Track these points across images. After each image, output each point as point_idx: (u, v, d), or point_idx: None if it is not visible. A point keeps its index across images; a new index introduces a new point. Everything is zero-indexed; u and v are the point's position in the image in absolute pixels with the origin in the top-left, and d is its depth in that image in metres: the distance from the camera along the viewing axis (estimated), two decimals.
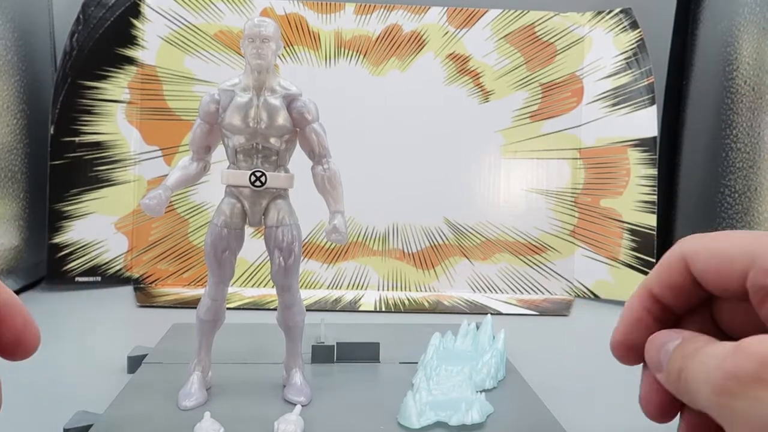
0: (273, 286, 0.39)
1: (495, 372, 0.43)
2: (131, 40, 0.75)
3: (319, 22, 0.78)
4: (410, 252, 0.77)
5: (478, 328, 0.49)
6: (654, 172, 0.74)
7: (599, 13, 0.79)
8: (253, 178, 0.37)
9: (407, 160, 0.78)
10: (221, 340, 0.41)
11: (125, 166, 0.75)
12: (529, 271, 0.76)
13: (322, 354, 0.45)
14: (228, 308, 0.41)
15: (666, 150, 0.82)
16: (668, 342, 0.26)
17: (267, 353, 0.45)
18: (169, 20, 0.76)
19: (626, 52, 0.77)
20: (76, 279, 0.72)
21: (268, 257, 0.39)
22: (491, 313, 0.55)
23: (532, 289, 0.76)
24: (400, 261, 0.76)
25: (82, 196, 0.73)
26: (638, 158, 0.75)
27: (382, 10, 0.79)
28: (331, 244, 0.75)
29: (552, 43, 0.79)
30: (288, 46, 0.77)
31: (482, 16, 0.79)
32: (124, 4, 0.75)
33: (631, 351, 0.30)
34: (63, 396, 0.42)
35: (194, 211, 0.75)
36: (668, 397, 0.28)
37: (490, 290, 0.75)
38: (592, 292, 0.75)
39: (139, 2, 0.76)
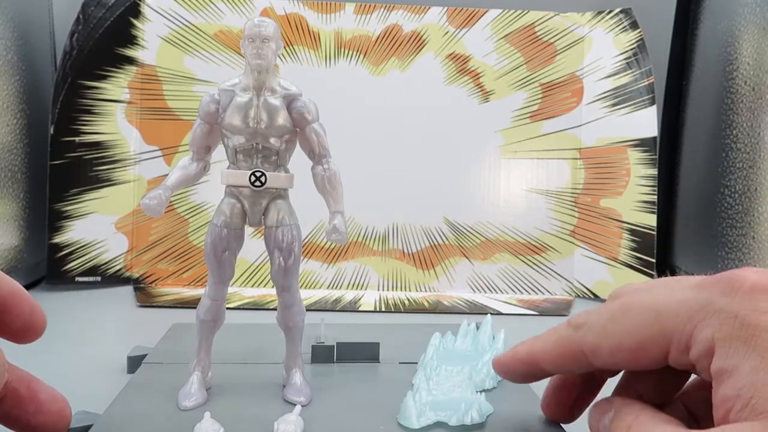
0: (273, 286, 0.39)
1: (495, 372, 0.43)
2: (131, 40, 0.75)
3: (319, 22, 0.78)
4: (410, 252, 0.77)
5: (478, 328, 0.49)
6: (654, 172, 0.75)
7: (599, 13, 0.79)
8: (252, 178, 0.37)
9: (407, 160, 0.78)
10: (221, 340, 0.41)
11: (125, 166, 0.75)
12: (529, 271, 0.76)
13: (322, 354, 0.45)
14: (228, 308, 0.40)
15: (666, 150, 0.82)
16: (603, 416, 0.26)
17: (267, 353, 0.45)
18: (169, 20, 0.76)
19: (626, 52, 0.77)
20: (76, 279, 0.72)
21: (268, 257, 0.39)
22: (491, 313, 0.55)
23: (532, 289, 0.76)
24: (400, 261, 0.76)
25: (82, 196, 0.73)
26: (638, 158, 0.75)
27: (382, 10, 0.79)
28: (331, 244, 0.75)
29: (552, 43, 0.79)
30: (288, 46, 0.77)
31: (482, 16, 0.79)
32: (124, 4, 0.75)
33: (565, 412, 0.32)
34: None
35: (194, 211, 0.75)
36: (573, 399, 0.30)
37: (490, 290, 0.75)
38: (592, 292, 0.75)
39: (139, 2, 0.76)
